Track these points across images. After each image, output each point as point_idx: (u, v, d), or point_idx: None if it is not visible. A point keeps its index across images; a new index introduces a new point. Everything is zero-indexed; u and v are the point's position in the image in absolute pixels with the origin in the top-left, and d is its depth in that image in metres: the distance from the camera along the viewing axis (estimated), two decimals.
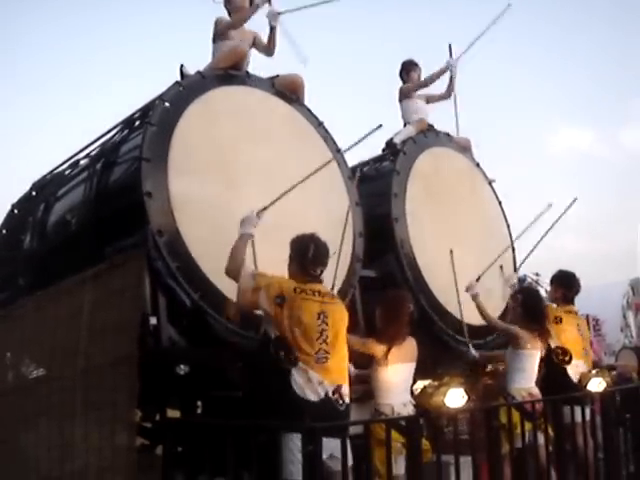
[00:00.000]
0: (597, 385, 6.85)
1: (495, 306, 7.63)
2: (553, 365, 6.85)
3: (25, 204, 7.68)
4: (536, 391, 6.53)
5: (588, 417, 6.52)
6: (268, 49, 6.83)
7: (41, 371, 6.24)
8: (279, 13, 6.66)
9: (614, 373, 9.81)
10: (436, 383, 6.65)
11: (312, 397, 4.61)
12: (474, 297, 6.99)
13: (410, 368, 5.81)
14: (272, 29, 6.75)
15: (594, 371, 7.11)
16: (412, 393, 6.08)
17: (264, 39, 6.83)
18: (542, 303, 6.95)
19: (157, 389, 5.44)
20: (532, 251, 7.88)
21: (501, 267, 7.88)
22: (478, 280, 7.08)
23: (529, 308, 6.70)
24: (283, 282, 4.89)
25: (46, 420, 5.88)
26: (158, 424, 5.66)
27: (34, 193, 7.64)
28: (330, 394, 4.65)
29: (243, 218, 5.09)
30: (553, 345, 6.86)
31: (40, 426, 5.92)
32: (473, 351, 7.06)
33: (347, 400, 4.79)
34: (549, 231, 7.60)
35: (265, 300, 4.77)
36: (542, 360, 6.71)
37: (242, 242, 5.02)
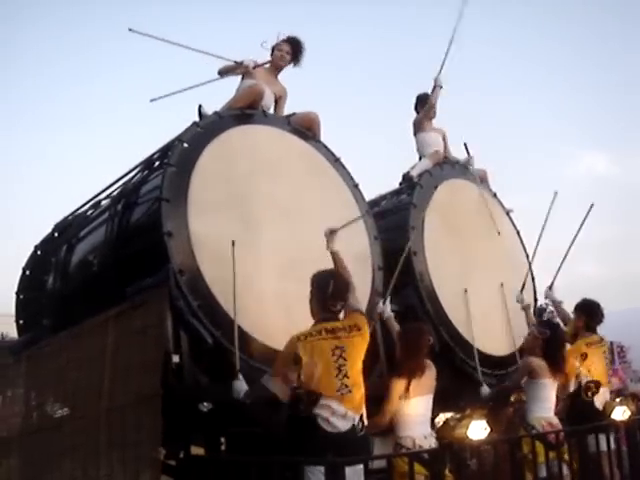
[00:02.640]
0: (622, 414, 6.81)
1: (517, 333, 7.63)
2: (580, 400, 6.85)
3: (48, 245, 7.75)
4: (556, 421, 6.51)
5: (613, 446, 6.47)
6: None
7: (65, 411, 6.28)
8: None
9: None
10: (458, 416, 6.63)
11: (340, 426, 4.64)
12: (527, 309, 7.43)
13: (429, 400, 5.81)
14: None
15: (618, 399, 7.07)
16: (434, 426, 6.07)
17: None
18: (564, 345, 6.94)
19: (181, 427, 5.47)
20: (560, 267, 7.85)
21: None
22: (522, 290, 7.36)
23: (552, 346, 6.69)
24: (286, 347, 4.90)
25: (70, 459, 5.92)
26: (183, 462, 5.67)
27: (56, 234, 7.72)
28: (356, 423, 4.70)
29: (234, 389, 5.18)
30: (584, 381, 6.87)
31: (64, 466, 5.96)
32: (485, 389, 7.04)
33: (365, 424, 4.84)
34: (574, 242, 7.63)
35: (291, 373, 4.79)
36: (569, 395, 6.74)
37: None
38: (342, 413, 4.66)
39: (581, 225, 7.55)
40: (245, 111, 6.45)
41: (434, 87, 8.55)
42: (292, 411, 4.70)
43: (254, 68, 6.87)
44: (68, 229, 7.52)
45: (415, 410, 5.63)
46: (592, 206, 7.50)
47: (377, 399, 5.55)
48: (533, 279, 8.50)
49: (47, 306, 7.16)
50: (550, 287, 7.93)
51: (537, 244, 7.93)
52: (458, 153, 8.77)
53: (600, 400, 6.97)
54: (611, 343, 11.68)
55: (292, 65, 7.15)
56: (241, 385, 5.15)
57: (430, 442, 5.57)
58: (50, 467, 6.13)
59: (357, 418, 4.73)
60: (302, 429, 4.70)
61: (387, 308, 6.42)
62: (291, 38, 7.11)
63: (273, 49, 7.08)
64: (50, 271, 7.26)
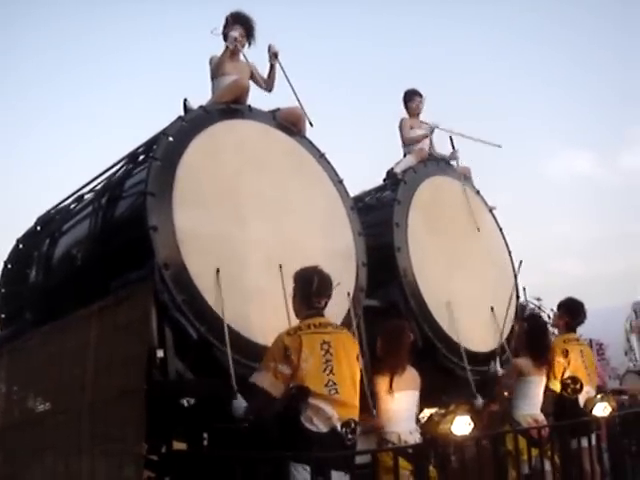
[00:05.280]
0: (602, 410, 6.85)
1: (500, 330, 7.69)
2: (564, 398, 6.89)
3: (30, 239, 7.71)
4: (541, 417, 6.56)
5: (594, 442, 6.52)
6: (267, 84, 6.94)
7: (47, 405, 6.26)
8: (276, 54, 6.80)
9: (624, 397, 9.81)
10: (443, 411, 6.65)
11: (321, 428, 4.60)
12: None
13: (414, 395, 5.85)
14: (272, 67, 6.89)
15: (599, 396, 7.11)
16: (418, 421, 6.10)
17: (261, 72, 6.96)
18: (547, 335, 6.97)
19: (163, 421, 5.46)
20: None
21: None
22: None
23: (533, 338, 6.73)
24: (275, 342, 4.83)
25: (52, 454, 5.89)
26: (164, 456, 5.65)
27: (39, 228, 7.68)
28: (339, 428, 4.63)
29: (233, 408, 5.01)
30: (565, 375, 6.91)
31: (46, 460, 5.94)
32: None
33: (357, 434, 4.76)
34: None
35: (287, 367, 4.68)
36: (554, 393, 6.78)
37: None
38: (327, 416, 4.61)
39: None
40: (231, 106, 6.43)
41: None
42: (287, 410, 4.65)
43: None
44: (51, 223, 7.49)
45: (400, 405, 5.67)
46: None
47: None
48: (515, 277, 8.58)
49: (29, 300, 7.13)
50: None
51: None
52: (443, 148, 8.79)
53: (583, 398, 7.02)
54: (590, 341, 11.78)
55: (247, 45, 6.92)
56: (240, 403, 4.99)
57: (415, 437, 5.62)
58: (31, 462, 6.10)
59: (340, 423, 4.64)
60: (284, 426, 4.69)
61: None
62: (241, 17, 6.87)
63: (225, 35, 6.82)
64: (32, 265, 7.22)
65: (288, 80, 6.74)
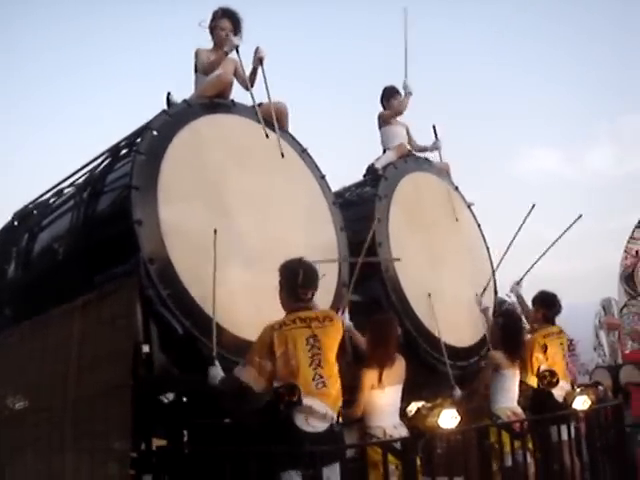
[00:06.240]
0: (582, 403, 6.94)
1: (480, 325, 7.81)
2: (538, 389, 6.96)
3: (8, 234, 7.60)
4: (519, 410, 6.66)
5: (573, 435, 6.59)
6: (247, 84, 6.87)
7: (29, 402, 6.17)
8: (261, 59, 6.75)
9: (600, 388, 9.95)
10: (429, 405, 6.69)
11: (318, 427, 4.61)
12: (485, 311, 7.52)
13: (399, 390, 5.88)
14: (254, 70, 6.82)
15: (579, 389, 7.21)
16: (405, 415, 6.13)
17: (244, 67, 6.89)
18: (521, 331, 7.07)
19: (144, 418, 5.41)
20: (529, 270, 8.22)
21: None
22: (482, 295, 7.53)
23: (508, 333, 6.82)
24: (260, 336, 4.85)
25: (33, 452, 5.81)
26: (145, 454, 5.60)
27: (16, 223, 7.58)
28: (335, 421, 4.69)
29: (210, 375, 5.08)
30: (541, 369, 6.98)
31: (28, 458, 5.86)
32: (457, 391, 7.11)
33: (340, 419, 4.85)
34: (550, 248, 8.13)
35: (270, 364, 4.73)
36: (530, 388, 6.85)
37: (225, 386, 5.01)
38: (322, 413, 4.63)
39: (522, 223, 8.02)
40: (214, 100, 6.40)
41: (404, 94, 8.56)
42: (272, 410, 4.65)
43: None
44: (29, 218, 7.39)
45: (386, 400, 5.69)
46: (533, 206, 7.95)
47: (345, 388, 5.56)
48: (494, 272, 8.64)
49: (8, 296, 7.05)
50: (518, 282, 8.13)
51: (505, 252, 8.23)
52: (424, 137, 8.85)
53: (559, 392, 7.09)
54: None
55: None
56: (217, 371, 5.06)
57: (400, 432, 5.63)
58: (12, 461, 6.02)
59: (335, 416, 4.71)
60: (279, 431, 4.67)
61: (346, 319, 6.12)
62: (229, 12, 6.81)
63: (212, 29, 6.79)
64: (11, 260, 7.13)
65: (267, 89, 6.65)
